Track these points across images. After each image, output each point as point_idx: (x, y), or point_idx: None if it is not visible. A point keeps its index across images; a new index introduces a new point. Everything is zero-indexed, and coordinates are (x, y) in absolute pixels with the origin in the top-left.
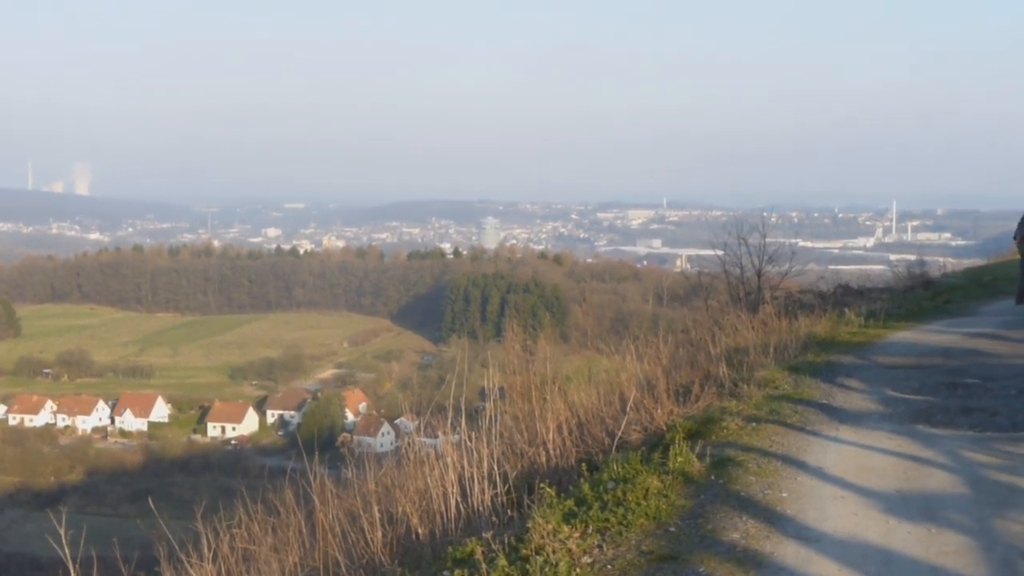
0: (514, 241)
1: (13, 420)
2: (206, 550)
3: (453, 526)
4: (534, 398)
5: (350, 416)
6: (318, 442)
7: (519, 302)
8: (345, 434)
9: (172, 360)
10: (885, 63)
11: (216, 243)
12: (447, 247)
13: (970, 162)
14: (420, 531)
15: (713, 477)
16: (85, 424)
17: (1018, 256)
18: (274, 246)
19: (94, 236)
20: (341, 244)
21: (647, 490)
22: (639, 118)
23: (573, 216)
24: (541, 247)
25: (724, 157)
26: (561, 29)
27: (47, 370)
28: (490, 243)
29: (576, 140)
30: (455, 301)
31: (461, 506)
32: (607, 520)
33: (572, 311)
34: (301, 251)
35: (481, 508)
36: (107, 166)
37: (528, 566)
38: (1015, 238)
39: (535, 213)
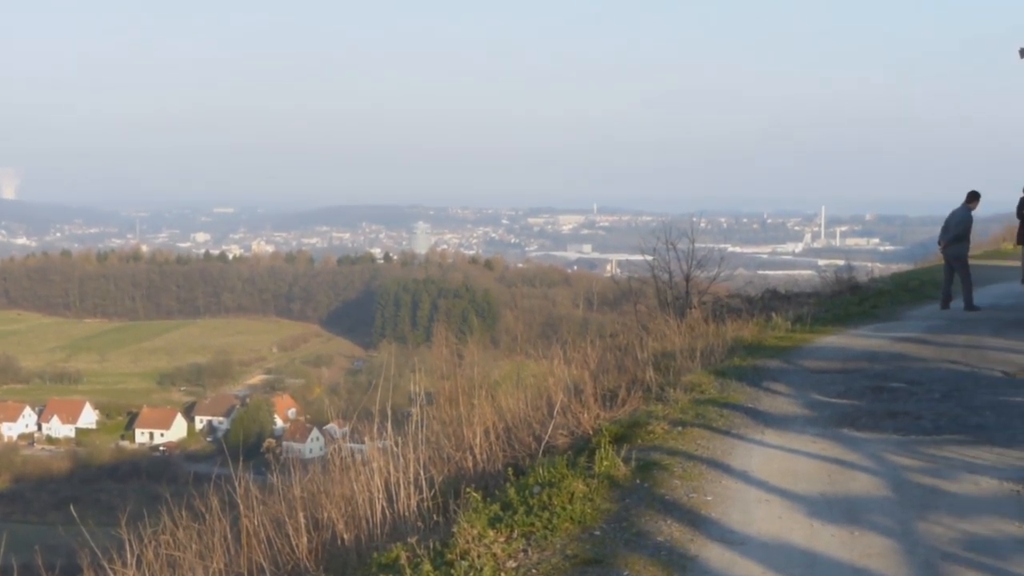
0: (445, 246)
1: None
2: (130, 557)
3: (379, 531)
4: (462, 403)
5: (279, 422)
6: (247, 448)
7: (450, 307)
8: (270, 440)
9: (100, 366)
10: (815, 69)
11: (145, 248)
12: (377, 252)
13: (899, 168)
14: (346, 537)
15: (639, 481)
16: (11, 431)
17: (943, 261)
18: (203, 251)
19: (21, 241)
20: (271, 249)
21: (573, 494)
22: (570, 124)
23: (504, 221)
24: (472, 252)
25: (656, 163)
26: (492, 35)
27: None
28: (421, 248)
29: (507, 145)
30: (385, 306)
31: (387, 511)
32: (532, 524)
33: (503, 316)
34: (230, 256)
35: (407, 513)
36: (35, 170)
37: (453, 571)
38: (939, 243)
39: (466, 218)
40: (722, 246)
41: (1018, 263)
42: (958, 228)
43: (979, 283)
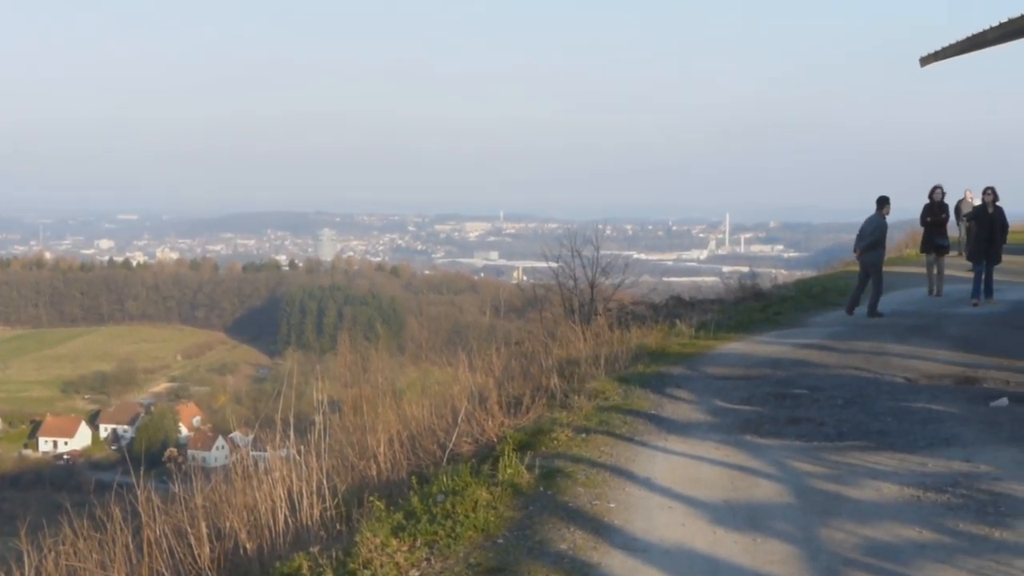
0: (351, 253)
1: None
2: (28, 568)
3: (282, 541)
4: (367, 411)
5: (184, 430)
6: (153, 457)
7: (356, 314)
8: (171, 449)
9: (2, 374)
10: (721, 76)
11: (48, 255)
12: (283, 259)
13: (803, 175)
14: (248, 546)
15: (542, 488)
16: None
17: (848, 268)
18: (107, 258)
19: None
20: (175, 256)
21: (476, 502)
22: (476, 130)
23: (411, 228)
24: (378, 259)
25: (563, 170)
26: (393, 37)
27: None
28: (327, 255)
29: (414, 152)
30: (291, 313)
31: (290, 520)
32: (436, 533)
33: (409, 323)
34: (134, 263)
35: (310, 522)
36: None
37: None
38: (855, 250)
39: (372, 225)
40: (627, 253)
41: (921, 269)
42: (874, 235)
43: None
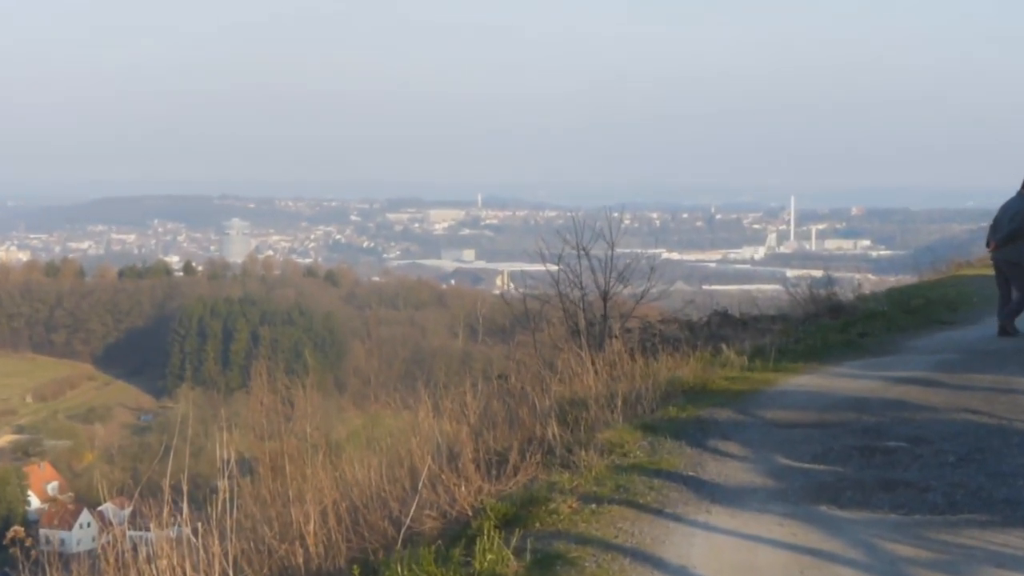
0: (270, 252)
1: None
2: None
3: None
4: (291, 473)
5: (35, 500)
6: None
7: (277, 338)
8: (16, 527)
9: None
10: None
11: None
12: (175, 260)
13: (897, 146)
14: None
15: None
16: None
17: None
18: None
19: None
20: (24, 257)
21: None
22: (449, 95)
23: (354, 218)
24: (308, 260)
25: (564, 142)
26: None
27: None
28: (236, 255)
29: (359, 117)
30: (186, 337)
31: None
32: None
33: (351, 350)
34: None
35: None
36: None
37: None
38: (988, 244)
39: (300, 213)
40: (654, 251)
41: None
42: (1013, 223)
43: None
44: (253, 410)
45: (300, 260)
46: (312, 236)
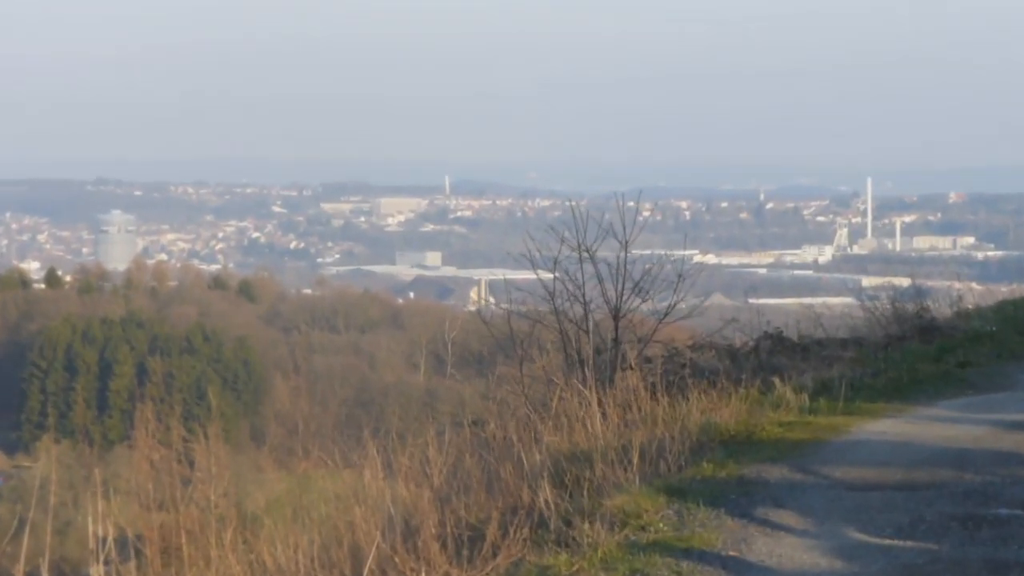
0: (164, 256)
1: None
2: None
3: None
4: (189, 556)
5: None
6: None
7: (172, 371)
8: None
9: None
10: None
11: None
12: (33, 267)
13: (1005, 115)
14: None
15: None
16: None
17: None
18: None
19: None
20: None
21: None
22: (396, 42)
23: (277, 209)
24: (216, 266)
25: (559, 107)
26: None
27: None
28: (117, 260)
29: (284, 75)
30: (48, 372)
31: None
32: None
33: (274, 388)
34: None
35: None
36: None
37: None
38: None
39: (204, 203)
40: (682, 253)
41: None
42: None
43: None
44: (139, 470)
45: (204, 266)
46: (220, 233)
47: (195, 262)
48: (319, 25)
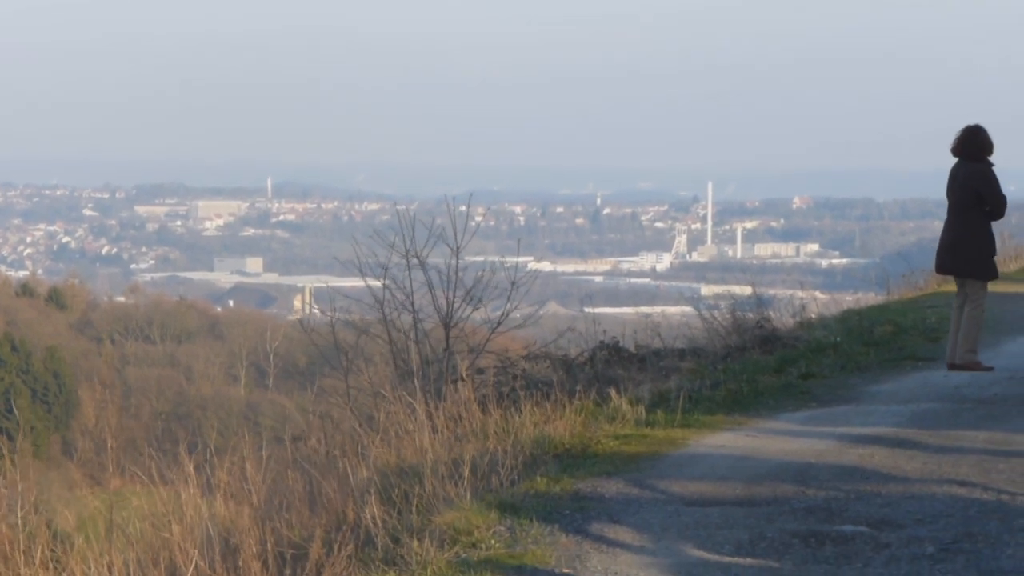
0: None
1: None
2: None
3: None
4: None
5: None
6: None
7: None
8: None
9: None
10: None
11: None
12: None
13: (850, 115)
14: None
15: None
16: None
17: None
18: None
19: None
20: None
21: None
22: (212, 37)
23: (88, 212)
24: (23, 273)
25: (386, 107)
26: None
27: None
28: None
29: (94, 70)
30: None
31: None
32: None
33: (84, 401)
34: None
35: None
36: None
37: None
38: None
39: (11, 206)
40: (516, 260)
41: None
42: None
43: (1001, 327)
44: None
45: (11, 273)
46: (28, 238)
47: (1, 268)
48: (133, 18)
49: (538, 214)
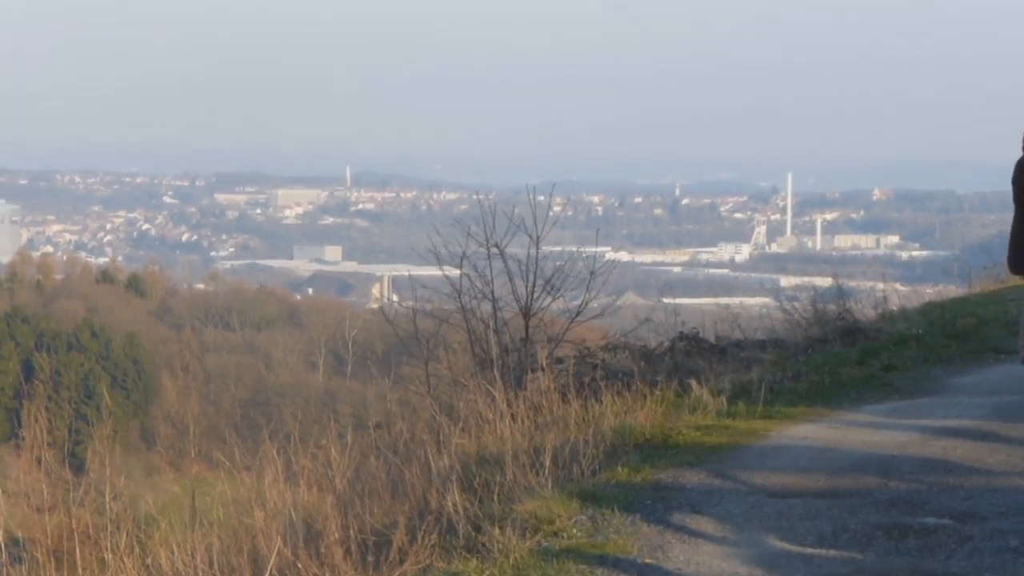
0: (49, 248)
1: None
2: None
3: None
4: (82, 560)
5: None
6: None
7: (59, 369)
8: None
9: None
10: None
11: None
12: None
13: (932, 109)
14: None
15: None
16: None
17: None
18: None
19: None
20: None
21: None
22: (295, 27)
23: (168, 200)
24: (104, 259)
25: (466, 95)
26: None
27: None
28: (1, 252)
29: (175, 57)
30: None
31: None
32: None
33: (165, 387)
34: None
35: None
36: None
37: None
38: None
39: (92, 193)
40: (596, 250)
41: None
42: None
43: None
44: (27, 471)
45: (92, 259)
46: (108, 225)
47: (82, 255)
48: (212, 7)
49: (616, 204)
